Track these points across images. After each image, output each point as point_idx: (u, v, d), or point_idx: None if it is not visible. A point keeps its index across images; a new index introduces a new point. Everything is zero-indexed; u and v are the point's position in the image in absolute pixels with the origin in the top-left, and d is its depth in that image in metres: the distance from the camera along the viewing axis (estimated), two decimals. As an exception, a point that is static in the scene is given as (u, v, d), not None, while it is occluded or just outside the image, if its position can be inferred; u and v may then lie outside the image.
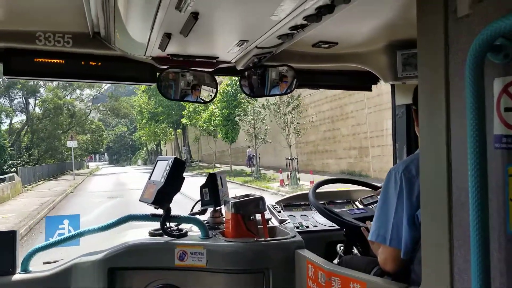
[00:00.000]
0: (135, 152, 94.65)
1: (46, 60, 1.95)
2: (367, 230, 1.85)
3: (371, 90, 2.68)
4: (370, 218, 2.03)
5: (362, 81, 2.62)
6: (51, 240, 2.11)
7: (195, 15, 1.41)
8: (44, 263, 2.11)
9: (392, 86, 2.46)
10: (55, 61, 1.96)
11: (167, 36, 1.65)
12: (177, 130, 47.82)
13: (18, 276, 1.92)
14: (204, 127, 30.18)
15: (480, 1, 0.93)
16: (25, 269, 1.95)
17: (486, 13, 0.91)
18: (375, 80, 2.57)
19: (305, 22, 1.51)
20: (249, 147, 26.91)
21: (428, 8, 1.08)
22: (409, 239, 1.42)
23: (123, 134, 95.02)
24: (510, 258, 0.88)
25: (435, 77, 1.05)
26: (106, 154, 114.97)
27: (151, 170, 2.15)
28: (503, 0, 0.87)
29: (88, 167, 64.83)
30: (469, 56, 0.87)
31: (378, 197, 2.61)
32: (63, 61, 1.97)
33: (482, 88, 0.87)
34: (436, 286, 1.08)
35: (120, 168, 60.94)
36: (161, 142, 60.26)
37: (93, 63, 2.02)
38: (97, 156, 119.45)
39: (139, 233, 2.12)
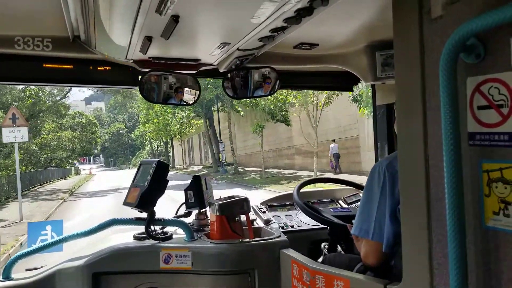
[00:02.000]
0: (134, 153, 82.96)
1: (25, 64, 1.92)
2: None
3: (352, 91, 2.73)
4: (354, 217, 2.06)
5: (343, 82, 2.66)
6: (34, 246, 2.07)
7: (175, 18, 1.42)
8: (27, 270, 2.07)
9: (373, 86, 2.51)
10: (34, 65, 1.94)
11: (148, 39, 1.65)
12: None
13: (0, 284, 1.89)
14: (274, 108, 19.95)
15: (453, 2, 0.96)
16: (7, 277, 1.92)
17: (459, 14, 0.94)
18: (356, 81, 2.62)
19: (285, 24, 1.53)
20: (333, 140, 20.11)
21: (404, 9, 1.10)
22: (391, 233, 1.45)
23: (120, 132, 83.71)
24: (486, 251, 0.91)
25: (411, 77, 1.08)
26: (101, 155, 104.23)
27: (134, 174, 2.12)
28: (476, 2, 0.90)
29: (78, 172, 55.40)
30: (442, 57, 0.90)
31: (361, 195, 2.67)
32: (42, 66, 1.94)
33: (456, 87, 0.90)
34: (416, 281, 1.10)
35: (119, 173, 50.53)
36: (173, 139, 48.36)
37: (74, 67, 2.00)
38: (91, 158, 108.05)
39: (124, 237, 2.11)
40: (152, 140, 60.71)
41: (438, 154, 0.98)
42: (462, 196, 0.90)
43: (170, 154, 56.21)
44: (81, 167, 78.08)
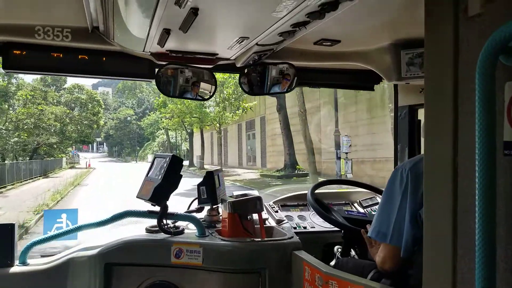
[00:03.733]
0: (142, 144, 70.31)
1: (44, 54, 1.93)
2: (367, 233, 1.83)
3: (373, 90, 2.65)
4: (369, 222, 2.01)
5: (364, 80, 2.58)
6: (49, 233, 2.10)
7: (194, 11, 1.39)
8: (42, 256, 2.11)
9: (395, 86, 2.43)
10: (54, 55, 1.95)
11: (166, 32, 1.63)
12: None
13: (16, 268, 1.92)
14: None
15: (492, 0, 0.89)
16: (23, 262, 1.96)
17: (499, 12, 0.87)
18: (378, 80, 2.54)
19: (308, 19, 1.48)
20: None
21: (437, 6, 1.04)
22: (410, 238, 1.40)
23: (128, 118, 71.66)
24: None
25: (442, 79, 1.02)
26: (104, 144, 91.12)
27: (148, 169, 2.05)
28: None
29: (73, 165, 44.90)
30: (480, 58, 0.84)
31: (378, 199, 2.60)
32: (62, 55, 1.95)
33: (494, 92, 0.84)
34: None
35: (125, 167, 41.70)
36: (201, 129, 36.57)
37: (92, 58, 2.00)
38: (95, 145, 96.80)
39: (136, 229, 2.11)
40: (168, 132, 50.33)
41: (469, 163, 0.92)
42: (495, 209, 0.84)
43: (192, 148, 42.51)
44: (83, 155, 70.23)
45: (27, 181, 22.62)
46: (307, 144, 18.68)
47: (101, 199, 13.89)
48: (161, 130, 58.24)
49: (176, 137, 53.05)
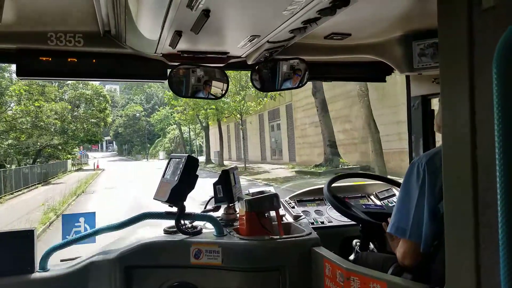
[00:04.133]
0: (153, 141, 66.52)
1: (58, 60, 1.95)
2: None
3: (385, 81, 2.62)
4: (388, 215, 2.00)
5: (376, 72, 2.56)
6: (68, 238, 2.13)
7: (206, 13, 1.38)
8: (61, 260, 2.13)
9: (407, 77, 2.40)
10: (67, 60, 1.96)
11: (178, 34, 1.63)
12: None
13: (37, 274, 1.94)
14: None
15: None
16: (43, 268, 1.97)
17: None
18: (389, 71, 2.52)
19: (319, 16, 1.46)
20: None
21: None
22: (430, 233, 1.39)
23: (137, 115, 67.88)
24: None
25: (458, 71, 1.01)
26: (114, 142, 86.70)
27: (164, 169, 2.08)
28: None
29: (81, 167, 41.33)
30: (497, 51, 0.82)
31: (394, 191, 2.59)
32: (75, 61, 1.97)
33: (511, 84, 0.83)
34: (461, 287, 1.05)
35: (137, 166, 38.91)
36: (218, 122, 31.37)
37: (104, 62, 2.01)
38: (104, 144, 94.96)
39: (154, 231, 2.13)
40: (180, 126, 46.41)
41: (489, 157, 0.91)
42: None
43: (209, 143, 37.67)
44: (92, 155, 68.09)
45: (20, 191, 18.28)
46: (372, 133, 14.76)
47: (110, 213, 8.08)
48: (172, 125, 55.89)
49: (189, 132, 47.69)
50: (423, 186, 1.43)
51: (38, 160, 26.65)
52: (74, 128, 27.67)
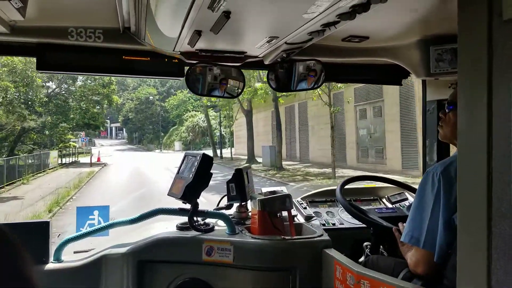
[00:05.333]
0: (167, 129, 56.93)
1: (77, 54, 1.98)
2: (399, 231, 1.82)
3: (401, 84, 2.61)
4: (400, 218, 2.00)
5: (392, 75, 2.55)
6: (82, 230, 2.17)
7: (227, 14, 1.39)
8: (75, 252, 2.17)
9: (423, 82, 2.39)
10: (86, 55, 1.99)
11: (198, 34, 1.64)
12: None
13: (51, 265, 1.99)
14: None
15: None
16: (57, 259, 2.02)
17: None
18: (405, 74, 2.50)
19: (338, 19, 1.47)
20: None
21: (471, 8, 1.02)
22: (444, 243, 1.39)
23: (150, 98, 58.61)
24: None
25: (476, 79, 1.01)
26: (124, 129, 77.22)
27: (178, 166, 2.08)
28: None
29: (76, 159, 30.85)
30: None
31: (407, 195, 2.58)
32: (94, 56, 2.00)
33: None
34: None
35: (148, 158, 32.37)
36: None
37: (123, 58, 2.04)
38: (113, 131, 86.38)
39: (166, 226, 2.15)
40: (220, 111, 33.35)
41: (504, 167, 0.91)
42: None
43: (252, 134, 26.19)
44: (100, 142, 62.52)
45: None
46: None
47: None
48: (190, 111, 48.62)
49: (220, 118, 35.05)
50: (438, 196, 1.42)
51: (16, 150, 20.36)
52: (64, 105, 21.43)
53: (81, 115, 26.44)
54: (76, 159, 32.07)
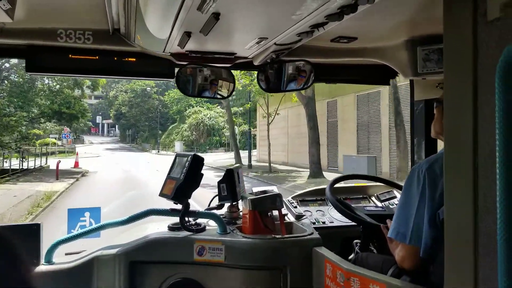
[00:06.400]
0: (166, 127, 50.24)
1: (66, 56, 1.98)
2: (387, 229, 1.86)
3: (389, 84, 2.65)
4: (389, 216, 2.03)
5: (380, 75, 2.59)
6: (74, 232, 2.16)
7: (216, 16, 1.41)
8: (66, 254, 2.17)
9: (411, 82, 2.43)
10: (76, 57, 1.99)
11: (187, 35, 1.66)
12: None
13: (42, 267, 1.98)
14: None
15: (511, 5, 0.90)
16: (48, 261, 2.01)
17: None
18: (393, 74, 2.54)
19: (326, 20, 1.49)
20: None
21: (456, 8, 1.05)
22: (429, 238, 1.42)
23: (146, 91, 51.43)
24: None
25: (462, 78, 1.03)
26: (116, 126, 70.16)
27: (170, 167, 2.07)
28: None
29: (40, 166, 21.77)
30: (500, 63, 0.85)
31: (395, 193, 2.62)
32: (83, 57, 2.00)
33: None
34: None
35: (144, 162, 26.79)
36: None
37: (112, 59, 2.04)
38: (104, 127, 79.63)
39: (158, 227, 2.16)
40: (254, 100, 25.31)
41: (490, 163, 0.94)
42: None
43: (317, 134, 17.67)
44: (89, 139, 56.05)
45: None
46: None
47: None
48: (193, 107, 41.04)
49: (249, 112, 26.20)
50: (424, 192, 1.45)
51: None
52: (23, 85, 15.57)
53: (50, 99, 18.56)
54: (45, 163, 22.92)
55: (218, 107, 39.66)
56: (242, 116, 30.05)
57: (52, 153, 29.49)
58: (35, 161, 22.27)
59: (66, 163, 21.75)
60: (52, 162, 22.69)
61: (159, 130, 48.93)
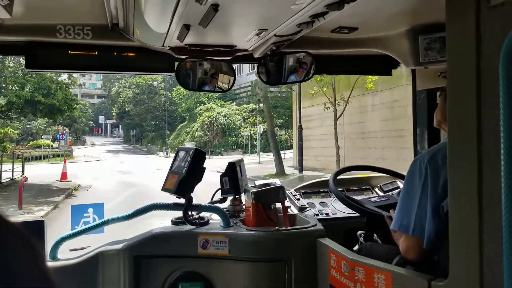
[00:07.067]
0: (174, 127, 44.37)
1: (66, 52, 1.97)
2: (390, 218, 1.85)
3: (391, 75, 2.63)
4: (392, 206, 2.02)
5: (382, 66, 2.57)
6: (77, 228, 2.17)
7: (215, 7, 1.40)
8: (71, 250, 2.18)
9: (413, 71, 2.41)
10: (75, 53, 1.99)
11: (186, 28, 1.64)
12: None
13: (47, 263, 1.98)
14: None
15: None
16: (53, 257, 2.02)
17: None
18: (395, 64, 2.52)
19: (326, 10, 1.48)
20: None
21: None
22: (433, 230, 1.42)
23: (153, 86, 46.27)
24: None
25: (465, 65, 1.02)
26: (120, 126, 64.23)
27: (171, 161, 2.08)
28: None
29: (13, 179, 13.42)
30: (503, 49, 0.84)
31: (399, 183, 2.61)
32: (84, 53, 1.99)
33: None
34: (465, 279, 1.07)
35: (154, 169, 20.77)
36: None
37: (112, 54, 2.04)
38: (107, 128, 75.63)
39: (161, 221, 2.16)
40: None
41: (495, 151, 0.93)
42: None
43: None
44: (92, 140, 52.88)
45: None
46: None
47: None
48: (205, 104, 36.82)
49: (299, 101, 19.18)
50: (426, 183, 1.45)
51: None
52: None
53: (18, 82, 14.79)
54: (20, 175, 16.36)
55: (233, 103, 35.71)
56: (262, 114, 25.44)
57: (45, 157, 24.78)
58: (13, 170, 15.86)
59: (55, 172, 16.45)
60: (35, 171, 17.68)
61: (167, 130, 43.72)
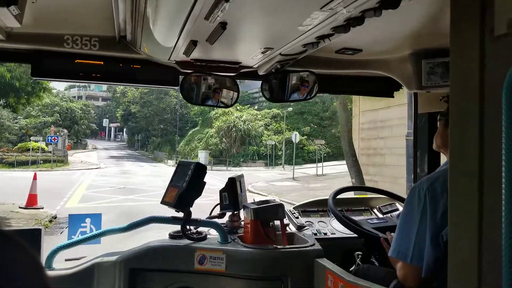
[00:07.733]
0: (184, 132, 39.64)
1: (72, 61, 1.99)
2: (387, 241, 1.84)
3: (393, 96, 2.65)
4: (390, 228, 2.02)
5: (384, 87, 2.60)
6: (74, 238, 2.15)
7: (223, 25, 1.42)
8: (66, 259, 2.16)
9: (415, 94, 2.43)
10: (81, 63, 2.01)
11: (193, 44, 1.67)
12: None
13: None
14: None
15: None
16: (49, 266, 2.00)
17: None
18: (397, 87, 2.55)
19: (332, 32, 1.50)
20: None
21: (463, 24, 1.05)
22: (432, 258, 1.40)
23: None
24: None
25: (468, 92, 1.03)
26: (124, 130, 60.87)
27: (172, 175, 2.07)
28: None
29: None
30: (507, 79, 0.85)
31: (398, 205, 2.60)
32: (90, 64, 2.01)
33: None
34: None
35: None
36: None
37: (118, 66, 2.06)
38: (111, 131, 72.53)
39: (159, 235, 2.15)
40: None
41: (496, 178, 0.94)
42: None
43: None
44: (94, 143, 49.98)
45: None
46: None
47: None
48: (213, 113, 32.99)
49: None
50: (425, 211, 1.44)
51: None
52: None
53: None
54: None
55: (252, 108, 31.61)
56: (289, 120, 21.78)
57: (33, 163, 20.70)
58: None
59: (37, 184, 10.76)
60: (9, 181, 13.62)
61: (178, 134, 38.42)
